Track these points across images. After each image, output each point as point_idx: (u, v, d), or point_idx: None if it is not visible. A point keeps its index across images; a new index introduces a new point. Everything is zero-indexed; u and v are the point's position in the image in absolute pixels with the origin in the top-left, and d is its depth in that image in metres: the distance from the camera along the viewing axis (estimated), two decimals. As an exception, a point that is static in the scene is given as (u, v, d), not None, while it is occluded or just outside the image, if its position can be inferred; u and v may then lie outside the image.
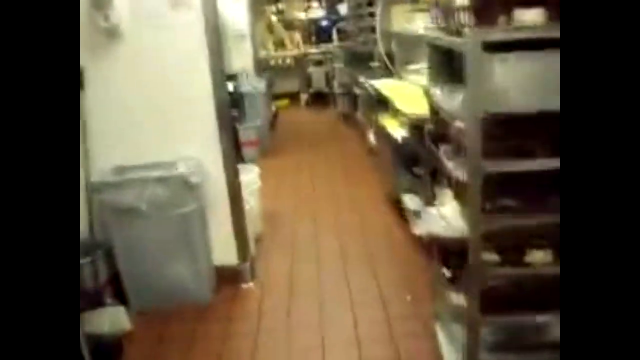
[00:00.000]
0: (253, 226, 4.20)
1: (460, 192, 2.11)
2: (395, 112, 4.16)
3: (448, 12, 2.22)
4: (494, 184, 1.83)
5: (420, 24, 4.81)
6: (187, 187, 3.22)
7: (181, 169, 3.24)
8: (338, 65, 9.06)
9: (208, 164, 3.44)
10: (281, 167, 6.54)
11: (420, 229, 2.21)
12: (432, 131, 2.59)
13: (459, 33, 2.05)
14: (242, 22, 7.88)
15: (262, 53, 10.28)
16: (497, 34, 1.76)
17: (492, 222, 1.89)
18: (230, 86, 6.77)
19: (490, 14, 1.76)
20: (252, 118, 6.96)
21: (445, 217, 2.05)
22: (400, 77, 5.42)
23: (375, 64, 6.60)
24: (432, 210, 2.25)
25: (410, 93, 4.46)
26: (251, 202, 4.12)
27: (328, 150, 7.26)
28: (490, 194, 1.87)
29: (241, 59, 7.77)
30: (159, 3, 3.18)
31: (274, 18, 10.94)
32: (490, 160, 1.79)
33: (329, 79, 10.38)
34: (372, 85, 5.26)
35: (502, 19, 1.77)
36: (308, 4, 11.26)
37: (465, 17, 1.91)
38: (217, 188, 3.52)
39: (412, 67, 5.05)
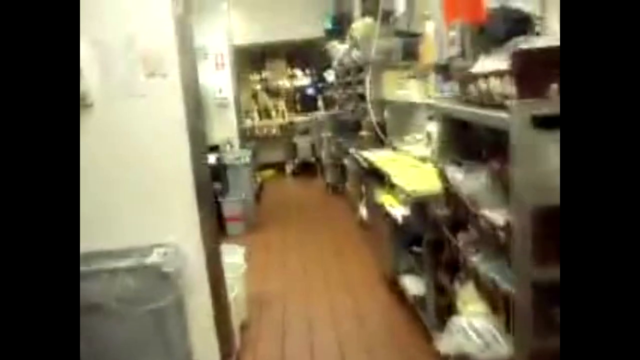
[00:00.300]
0: (238, 313, 3.77)
1: (493, 297, 1.72)
2: (392, 187, 3.81)
3: (467, 79, 1.89)
4: (548, 294, 1.45)
5: (415, 91, 4.55)
6: (161, 278, 2.81)
7: (155, 256, 2.83)
8: (325, 134, 8.77)
9: (187, 248, 3.03)
10: (268, 244, 6.12)
11: (446, 345, 1.80)
12: (447, 217, 2.21)
13: (483, 104, 1.71)
14: (226, 90, 7.63)
15: (247, 122, 10.02)
16: (549, 107, 1.41)
17: (546, 341, 1.50)
18: (212, 158, 6.48)
19: (538, 82, 1.41)
20: (236, 191, 6.61)
21: (478, 331, 1.66)
22: (393, 148, 5.12)
23: (365, 133, 6.32)
24: (461, 322, 1.84)
25: (406, 166, 4.14)
26: (236, 288, 3.70)
27: (317, 224, 6.86)
28: (542, 305, 1.48)
29: (224, 129, 7.47)
30: (133, 71, 2.83)
31: (258, 86, 10.74)
32: (543, 266, 1.41)
33: (315, 149, 10.10)
34: (364, 158, 4.93)
35: (554, 88, 1.42)
36: (292, 72, 11.09)
37: (499, 86, 1.56)
38: (196, 275, 3.09)
39: (409, 137, 4.75)
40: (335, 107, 8.58)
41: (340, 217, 6.94)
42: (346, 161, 6.74)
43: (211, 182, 3.39)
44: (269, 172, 10.23)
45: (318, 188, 9.04)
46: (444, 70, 3.52)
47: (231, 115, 7.63)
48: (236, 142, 7.55)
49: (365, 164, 4.86)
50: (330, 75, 8.60)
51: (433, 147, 3.74)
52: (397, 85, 5.20)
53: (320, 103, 10.25)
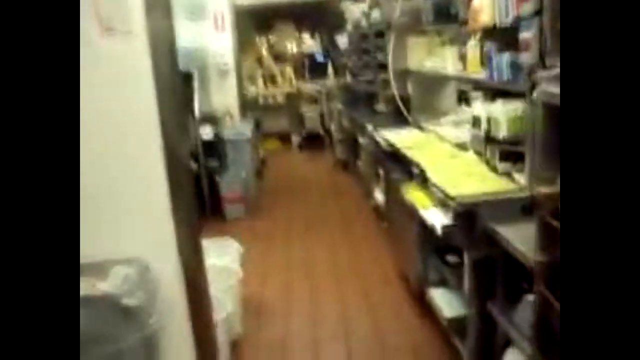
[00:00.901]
0: (230, 329, 3.06)
1: None
2: (424, 182, 3.04)
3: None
4: None
5: (450, 61, 3.75)
6: (121, 313, 2.06)
7: (112, 282, 2.07)
8: (336, 105, 7.94)
9: (158, 265, 2.27)
10: (269, 232, 5.36)
11: None
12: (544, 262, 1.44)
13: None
14: (226, 55, 6.78)
15: (251, 90, 9.17)
16: None
17: None
18: (208, 131, 5.70)
19: None
20: (236, 168, 5.84)
21: None
22: (419, 127, 4.32)
23: (383, 107, 5.51)
24: None
25: (442, 155, 3.36)
26: (228, 305, 2.96)
27: (326, 209, 6.07)
28: None
29: (224, 98, 6.65)
30: (84, 26, 2.02)
31: (263, 51, 9.85)
32: None
33: (324, 120, 9.26)
34: (385, 139, 4.14)
35: None
36: (300, 36, 10.19)
37: None
38: (172, 301, 2.34)
39: (447, 119, 3.96)
40: (346, 76, 7.71)
41: (352, 202, 6.16)
42: (360, 138, 5.93)
43: (191, 172, 2.64)
44: (274, 144, 9.42)
45: (326, 163, 8.21)
46: (502, 36, 2.72)
47: (232, 82, 6.79)
48: (237, 112, 6.73)
49: (387, 147, 4.06)
50: (343, 40, 7.71)
51: (480, 133, 2.96)
52: (426, 53, 4.39)
53: (330, 70, 9.39)
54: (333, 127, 7.94)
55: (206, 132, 5.68)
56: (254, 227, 5.43)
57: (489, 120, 2.83)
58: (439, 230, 2.59)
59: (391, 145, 3.93)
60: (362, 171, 6.28)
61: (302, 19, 9.93)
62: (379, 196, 5.09)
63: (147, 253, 2.23)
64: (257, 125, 7.39)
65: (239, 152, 5.89)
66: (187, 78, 5.42)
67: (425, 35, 4.40)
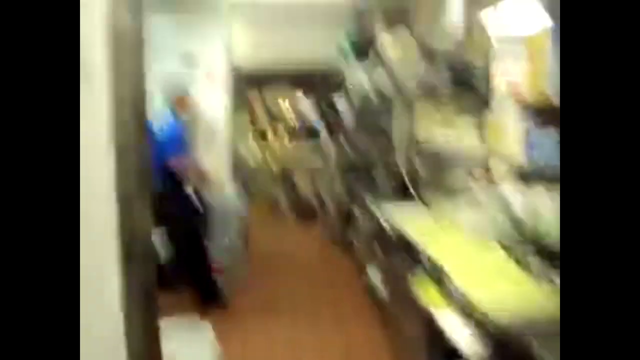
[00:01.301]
0: None
1: None
2: (438, 281, 2.48)
3: None
4: None
5: (467, 133, 3.24)
6: None
7: None
8: (330, 170, 7.38)
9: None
10: (252, 309, 4.72)
11: None
12: None
13: None
14: (217, 111, 6.22)
15: (241, 149, 8.57)
16: None
17: None
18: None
19: None
20: (220, 237, 5.24)
21: None
22: (428, 206, 3.78)
23: (384, 178, 4.99)
24: None
25: (462, 249, 2.80)
26: None
27: (315, 284, 5.46)
28: None
29: (212, 160, 6.06)
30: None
31: (256, 108, 9.37)
32: None
33: (316, 184, 8.70)
34: (387, 219, 3.59)
35: None
36: (295, 95, 9.74)
37: None
38: None
39: (461, 198, 3.42)
40: (342, 139, 7.16)
41: (343, 277, 5.54)
42: (357, 210, 5.39)
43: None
44: (262, 209, 8.80)
45: (318, 235, 7.59)
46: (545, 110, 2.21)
47: (220, 141, 6.20)
48: (226, 175, 6.13)
49: (389, 229, 3.51)
50: (341, 102, 7.19)
51: (511, 224, 2.42)
52: (438, 121, 3.89)
53: (324, 132, 8.87)
54: (326, 194, 7.34)
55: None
56: (234, 304, 4.80)
57: (526, 211, 2.30)
58: (465, 352, 2.00)
59: (396, 229, 3.38)
60: (355, 245, 5.71)
61: (298, 78, 9.47)
62: (373, 275, 4.51)
63: None
64: (245, 188, 6.82)
65: (224, 220, 5.31)
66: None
67: (438, 101, 3.90)
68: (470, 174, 3.51)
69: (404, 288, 2.99)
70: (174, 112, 4.87)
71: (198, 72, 6.08)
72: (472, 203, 3.22)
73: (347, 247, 6.25)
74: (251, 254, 6.36)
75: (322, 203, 8.09)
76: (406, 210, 3.75)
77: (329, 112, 8.62)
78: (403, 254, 3.20)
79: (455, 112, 3.63)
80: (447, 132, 3.63)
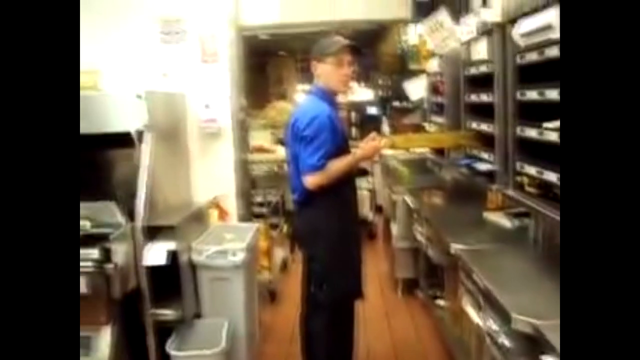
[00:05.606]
0: None
1: None
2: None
3: None
4: None
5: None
6: None
7: None
8: (396, 185, 4.84)
9: None
10: None
11: None
12: None
13: None
14: (219, 106, 3.92)
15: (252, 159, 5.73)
16: None
17: None
18: (163, 252, 3.01)
19: None
20: (212, 321, 3.07)
21: None
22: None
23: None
24: None
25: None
26: None
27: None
28: None
29: (213, 181, 3.83)
30: None
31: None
32: None
33: (375, 200, 6.30)
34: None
35: None
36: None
37: None
38: None
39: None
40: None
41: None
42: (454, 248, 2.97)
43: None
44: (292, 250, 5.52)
45: (379, 278, 5.10)
46: None
47: (227, 152, 3.93)
48: (233, 204, 3.89)
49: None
50: (415, 87, 4.81)
51: None
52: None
53: (386, 129, 6.58)
54: (395, 228, 4.74)
55: (158, 252, 2.92)
56: None
57: None
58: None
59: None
60: (443, 307, 3.47)
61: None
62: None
63: None
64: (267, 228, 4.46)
65: (220, 290, 3.10)
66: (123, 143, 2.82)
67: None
68: None
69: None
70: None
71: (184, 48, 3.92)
72: None
73: (423, 300, 3.94)
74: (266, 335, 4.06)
75: (386, 226, 5.69)
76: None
77: (393, 100, 6.29)
78: None
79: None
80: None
